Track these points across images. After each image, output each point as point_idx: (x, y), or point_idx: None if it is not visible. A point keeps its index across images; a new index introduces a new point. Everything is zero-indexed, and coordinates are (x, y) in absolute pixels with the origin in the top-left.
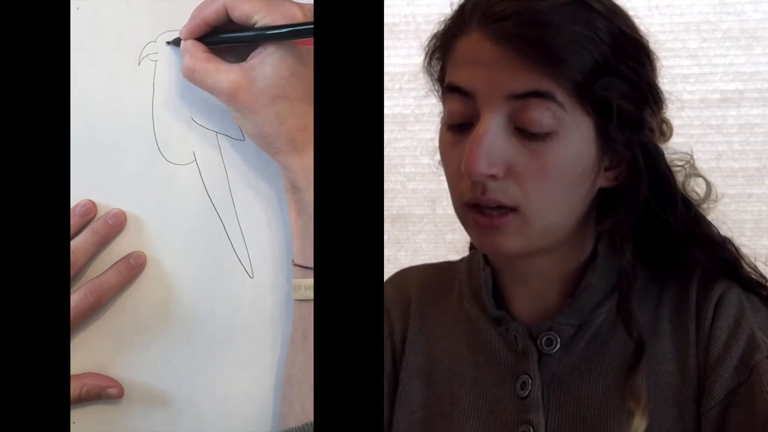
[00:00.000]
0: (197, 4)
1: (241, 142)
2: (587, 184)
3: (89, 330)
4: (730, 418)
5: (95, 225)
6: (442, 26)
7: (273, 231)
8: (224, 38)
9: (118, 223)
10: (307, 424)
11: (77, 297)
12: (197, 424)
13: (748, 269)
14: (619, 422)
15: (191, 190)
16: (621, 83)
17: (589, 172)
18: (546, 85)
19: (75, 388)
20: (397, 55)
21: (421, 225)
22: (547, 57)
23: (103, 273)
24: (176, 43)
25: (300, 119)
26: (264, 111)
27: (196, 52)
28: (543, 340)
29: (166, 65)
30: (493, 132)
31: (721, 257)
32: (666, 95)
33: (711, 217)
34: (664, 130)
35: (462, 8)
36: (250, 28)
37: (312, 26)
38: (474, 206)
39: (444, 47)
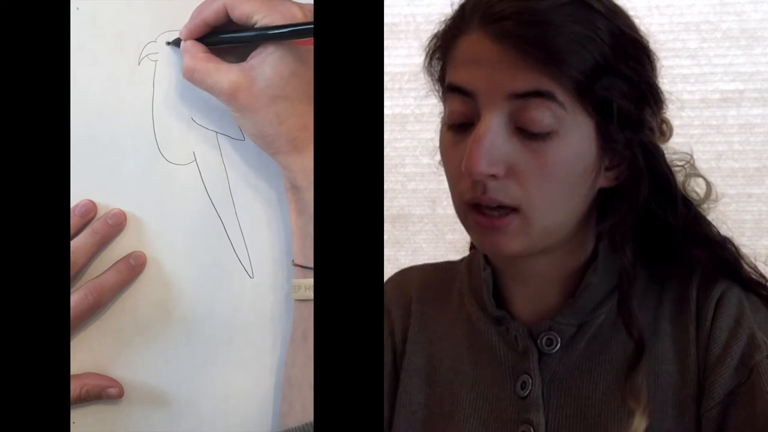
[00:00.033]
0: (197, 4)
1: (241, 142)
2: (588, 184)
3: (89, 330)
4: (730, 418)
5: (95, 225)
6: (443, 26)
7: (273, 231)
8: (224, 38)
9: (118, 223)
10: (307, 424)
11: (77, 297)
12: (197, 424)
13: (748, 269)
14: (619, 422)
15: (191, 190)
16: (621, 83)
17: (589, 171)
18: (546, 84)
19: (75, 388)
20: (397, 55)
21: (421, 225)
22: (548, 57)
23: (103, 273)
24: (176, 43)
25: (300, 119)
26: (264, 111)
27: (196, 52)
28: (543, 340)
29: (166, 65)
30: (493, 131)
31: (722, 257)
32: (666, 95)
33: (711, 217)
34: (664, 130)
35: (462, 8)
36: (250, 28)
37: (312, 26)
38: (475, 207)
39: (444, 47)
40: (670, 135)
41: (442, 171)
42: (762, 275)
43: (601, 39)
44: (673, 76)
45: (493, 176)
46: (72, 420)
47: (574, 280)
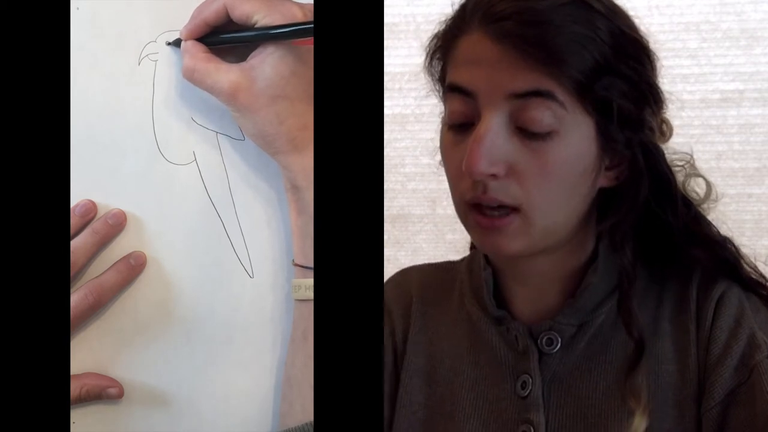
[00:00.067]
0: (197, 4)
1: (241, 142)
2: (588, 184)
3: (89, 330)
4: (730, 418)
5: (95, 225)
6: (443, 26)
7: (273, 231)
8: (224, 38)
9: (118, 223)
10: (307, 424)
11: (77, 297)
12: (197, 424)
13: (748, 269)
14: (619, 422)
15: (191, 190)
16: (621, 83)
17: (589, 171)
18: (547, 84)
19: (75, 388)
20: (397, 55)
21: (421, 225)
22: (548, 56)
23: (103, 273)
24: (177, 44)
25: (300, 119)
26: (264, 111)
27: (196, 52)
28: (543, 340)
29: (166, 65)
30: (494, 131)
31: (722, 257)
32: (666, 95)
33: (711, 217)
34: (664, 130)
35: (463, 8)
36: (250, 28)
37: (312, 26)
38: (475, 207)
39: (445, 47)
40: (670, 135)
41: (442, 171)
42: (762, 275)
43: (601, 39)
44: (673, 76)
45: (494, 176)
46: (72, 420)
47: (574, 280)
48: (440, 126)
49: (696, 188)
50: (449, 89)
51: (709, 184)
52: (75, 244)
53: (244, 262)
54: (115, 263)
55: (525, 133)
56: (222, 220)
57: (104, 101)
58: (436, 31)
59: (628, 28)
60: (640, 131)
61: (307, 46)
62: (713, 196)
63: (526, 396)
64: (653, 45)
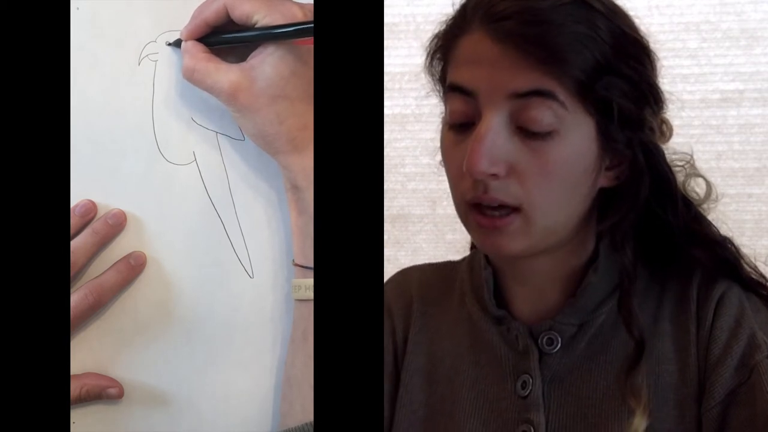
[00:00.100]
0: (197, 4)
1: (241, 142)
2: (588, 183)
3: (89, 330)
4: (730, 417)
5: (95, 225)
6: (444, 26)
7: (273, 231)
8: (225, 38)
9: (118, 223)
10: (307, 424)
11: (77, 297)
12: (197, 424)
13: (749, 269)
14: (619, 422)
15: (191, 190)
16: (622, 83)
17: (590, 171)
18: (547, 84)
19: (75, 388)
20: (397, 55)
21: (421, 225)
22: (549, 56)
23: (103, 273)
24: (177, 44)
25: (300, 119)
26: (264, 111)
27: (196, 52)
28: (544, 340)
29: (166, 65)
30: (494, 131)
31: (722, 257)
32: (666, 95)
33: (711, 217)
34: (664, 130)
35: (464, 8)
36: (251, 28)
37: (312, 26)
38: (476, 207)
39: (445, 47)
40: (670, 135)
41: (442, 171)
42: (762, 275)
43: (601, 38)
44: (673, 76)
45: (494, 176)
46: (72, 420)
47: (574, 279)
48: (440, 126)
49: (696, 188)
50: (450, 89)
51: (709, 184)
52: (75, 244)
53: (244, 262)
54: (115, 263)
55: (526, 132)
56: (222, 221)
57: (104, 101)
58: (436, 30)
59: (629, 27)
60: (640, 131)
61: (308, 45)
62: (713, 196)
63: (527, 396)
64: (653, 45)
